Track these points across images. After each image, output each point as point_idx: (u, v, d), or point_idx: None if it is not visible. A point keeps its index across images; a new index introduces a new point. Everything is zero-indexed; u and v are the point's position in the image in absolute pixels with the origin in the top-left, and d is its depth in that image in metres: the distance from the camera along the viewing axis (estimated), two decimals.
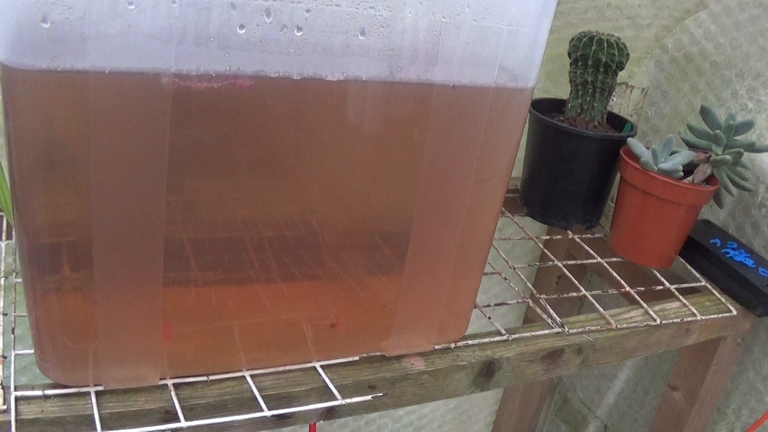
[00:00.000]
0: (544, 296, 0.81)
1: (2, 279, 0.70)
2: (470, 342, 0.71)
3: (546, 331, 0.75)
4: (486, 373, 0.70)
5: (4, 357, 0.60)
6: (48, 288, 0.53)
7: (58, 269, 0.52)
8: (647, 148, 0.87)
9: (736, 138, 0.88)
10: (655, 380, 1.20)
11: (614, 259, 0.92)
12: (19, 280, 0.72)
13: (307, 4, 0.47)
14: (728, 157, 0.86)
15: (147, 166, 0.49)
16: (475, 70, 0.55)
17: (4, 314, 0.65)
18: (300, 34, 0.48)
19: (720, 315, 0.86)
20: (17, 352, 0.60)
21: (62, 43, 0.43)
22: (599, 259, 0.92)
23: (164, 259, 0.53)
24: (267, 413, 0.57)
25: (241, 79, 0.48)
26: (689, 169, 0.88)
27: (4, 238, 0.77)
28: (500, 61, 0.56)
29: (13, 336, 0.62)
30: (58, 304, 0.54)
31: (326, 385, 0.61)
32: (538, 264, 1.01)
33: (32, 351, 0.58)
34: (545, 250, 0.94)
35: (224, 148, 0.51)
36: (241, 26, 0.46)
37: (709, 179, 0.89)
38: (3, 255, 0.74)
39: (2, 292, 0.68)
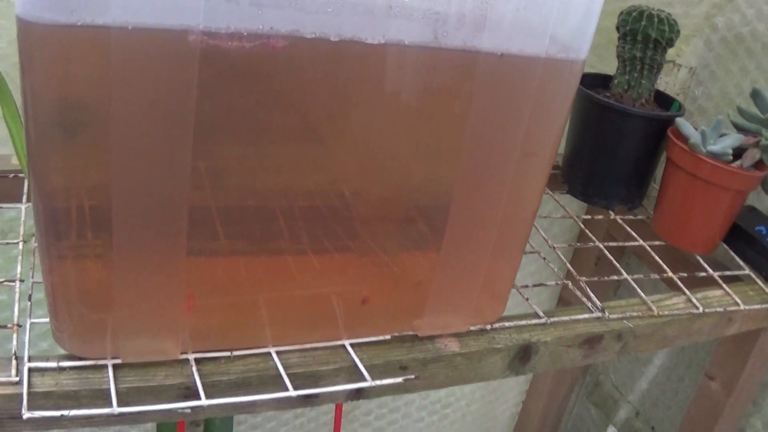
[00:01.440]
0: (584, 278, 0.77)
1: (21, 243, 0.68)
2: (507, 324, 0.68)
3: (585, 315, 0.72)
4: (522, 357, 0.67)
5: (19, 325, 0.58)
6: (64, 254, 0.51)
7: (75, 234, 0.50)
8: (696, 130, 0.84)
9: None
10: (691, 368, 1.16)
11: (656, 243, 0.88)
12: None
13: None
14: None
15: (171, 128, 0.46)
16: (525, 38, 0.52)
17: (21, 280, 0.63)
18: None
19: (763, 305, 0.83)
20: (33, 320, 0.58)
21: None
22: (641, 241, 0.88)
23: (188, 226, 0.50)
24: (293, 393, 0.54)
25: (274, 39, 0.44)
26: (737, 153, 0.84)
27: (24, 200, 0.75)
28: (551, 30, 0.52)
29: (29, 303, 0.60)
30: (74, 271, 0.51)
31: (355, 365, 0.58)
32: (577, 244, 0.97)
33: (42, 320, 0.56)
34: (585, 230, 0.90)
35: (255, 112, 0.48)
36: None
37: (758, 164, 0.85)
38: (23, 218, 0.72)
39: (21, 257, 0.66)
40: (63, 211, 0.49)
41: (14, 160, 0.79)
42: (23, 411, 0.50)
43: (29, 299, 0.60)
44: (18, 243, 0.68)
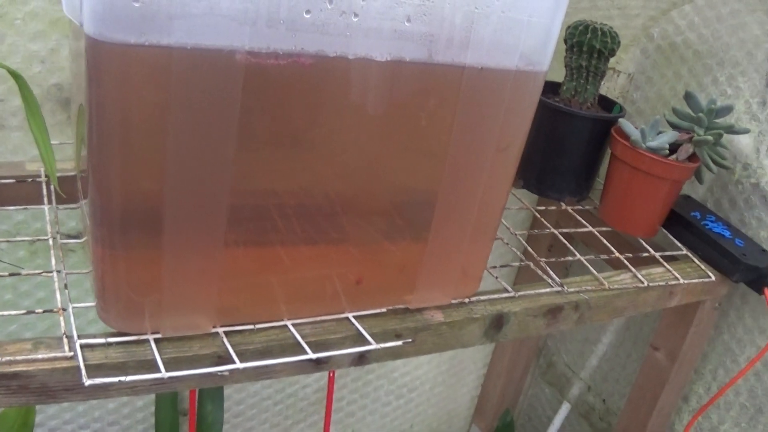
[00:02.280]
0: (543, 259, 0.88)
1: (50, 240, 0.76)
2: (482, 298, 0.78)
3: (547, 290, 0.83)
4: (496, 325, 0.77)
5: (64, 309, 0.66)
6: (117, 245, 0.59)
7: (127, 228, 0.59)
8: (636, 128, 0.95)
9: (717, 121, 0.96)
10: (637, 344, 1.28)
11: (603, 229, 1.00)
12: (64, 240, 0.78)
13: None
14: (709, 137, 0.95)
15: (218, 136, 0.55)
16: (500, 55, 0.62)
17: (58, 271, 0.71)
18: (356, 19, 0.55)
19: (700, 280, 0.95)
20: (74, 305, 0.66)
21: (151, 21, 0.50)
22: (590, 227, 1.00)
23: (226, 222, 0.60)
24: (312, 356, 0.64)
25: (303, 57, 0.54)
26: (673, 148, 0.96)
27: (45, 202, 0.82)
28: (521, 47, 0.63)
29: (67, 291, 0.68)
30: (125, 260, 0.60)
31: (359, 333, 0.68)
32: (534, 231, 1.08)
33: (86, 304, 0.64)
34: (541, 219, 1.01)
35: (285, 121, 0.58)
36: (307, 11, 0.53)
37: (691, 157, 0.97)
38: (48, 218, 0.80)
39: (53, 251, 0.74)
40: (118, 208, 0.57)
41: (29, 165, 0.87)
42: (84, 379, 0.58)
43: (66, 288, 0.68)
44: (48, 239, 0.76)
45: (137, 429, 1.23)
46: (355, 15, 0.54)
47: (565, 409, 1.39)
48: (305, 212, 0.64)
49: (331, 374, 0.79)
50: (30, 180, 0.85)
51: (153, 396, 1.19)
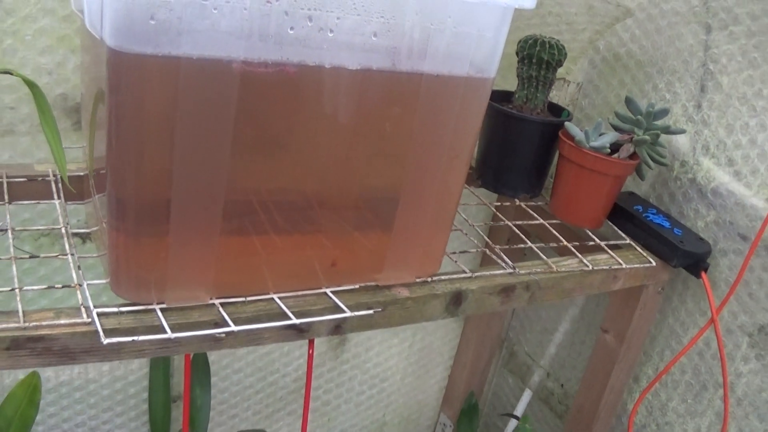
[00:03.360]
0: (498, 246, 0.99)
1: (63, 229, 0.86)
2: (443, 277, 0.90)
3: (501, 271, 0.94)
4: (455, 302, 0.88)
5: (80, 285, 0.76)
6: (131, 231, 0.70)
7: (141, 218, 0.69)
8: (581, 130, 1.07)
9: (655, 123, 1.08)
10: (590, 331, 1.40)
11: (554, 221, 1.11)
12: (75, 230, 0.89)
13: (337, 13, 0.65)
14: (647, 137, 1.06)
15: (217, 135, 0.66)
16: (453, 63, 0.74)
17: (72, 254, 0.81)
18: (331, 35, 0.66)
19: (642, 265, 1.06)
20: (88, 282, 0.76)
21: (164, 35, 0.60)
22: (542, 221, 1.11)
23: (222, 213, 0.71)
24: (296, 321, 0.75)
25: (288, 66, 0.66)
26: (616, 148, 1.08)
27: (55, 197, 0.93)
28: (471, 57, 0.75)
29: (80, 271, 0.78)
30: (137, 243, 0.70)
31: (336, 305, 0.79)
32: (491, 223, 1.20)
33: (99, 281, 0.75)
34: (497, 213, 1.13)
35: (272, 124, 0.69)
36: (291, 28, 0.64)
37: (633, 156, 1.09)
38: (59, 211, 0.90)
39: (66, 238, 0.84)
40: (132, 199, 0.68)
41: (37, 167, 0.98)
42: (102, 339, 0.68)
43: (79, 269, 0.78)
44: (61, 228, 0.86)
45: (129, 415, 1.32)
46: (331, 31, 0.66)
47: (527, 395, 1.50)
48: (288, 207, 0.76)
49: (310, 350, 0.89)
50: (40, 179, 0.95)
51: (145, 383, 1.29)
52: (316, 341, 1.41)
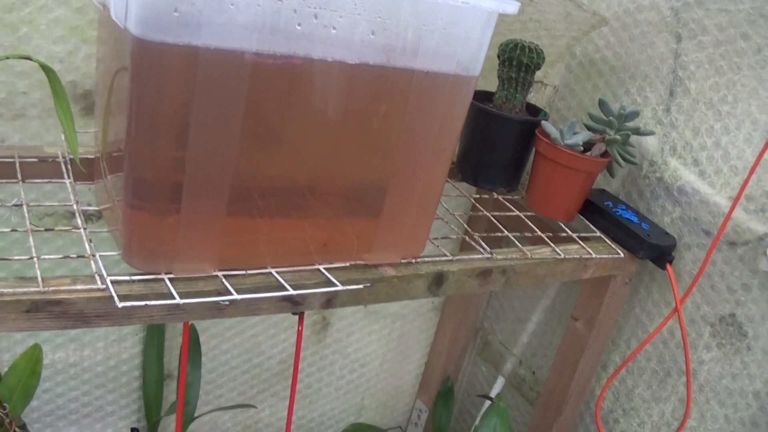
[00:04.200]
0: (477, 234, 1.07)
1: (74, 205, 0.92)
2: (426, 259, 0.97)
3: (479, 256, 1.01)
4: (437, 282, 0.95)
5: (93, 255, 0.82)
6: (145, 207, 0.76)
7: (156, 195, 0.76)
8: (557, 129, 1.14)
9: (626, 124, 1.16)
10: (561, 321, 1.47)
11: (529, 214, 1.19)
12: (85, 207, 0.95)
13: (340, 12, 0.72)
14: (618, 137, 1.14)
15: (229, 121, 0.73)
16: (442, 62, 0.81)
17: (85, 228, 0.87)
18: (335, 31, 0.73)
19: (611, 256, 1.14)
20: (101, 253, 0.83)
21: (185, 26, 0.67)
22: (518, 212, 1.19)
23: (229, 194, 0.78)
24: (292, 292, 0.82)
25: (295, 59, 0.73)
26: (588, 146, 1.16)
27: (65, 177, 0.99)
28: (458, 56, 0.82)
29: (92, 244, 0.85)
30: (149, 219, 0.77)
31: (329, 279, 0.86)
32: (471, 213, 1.27)
33: (111, 253, 0.81)
34: (477, 205, 1.20)
35: (279, 112, 0.76)
36: (299, 24, 0.71)
37: (604, 155, 1.16)
38: (69, 190, 0.96)
39: (78, 214, 0.90)
40: (149, 180, 0.75)
41: (47, 149, 1.04)
42: (117, 303, 0.75)
43: (91, 241, 0.85)
44: (72, 205, 0.92)
45: (121, 392, 1.38)
46: (334, 28, 0.73)
47: (500, 382, 1.57)
48: (286, 192, 0.83)
49: (300, 327, 0.95)
50: (51, 160, 1.01)
51: (137, 361, 1.35)
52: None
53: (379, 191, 0.88)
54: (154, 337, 1.28)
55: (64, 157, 1.02)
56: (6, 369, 1.12)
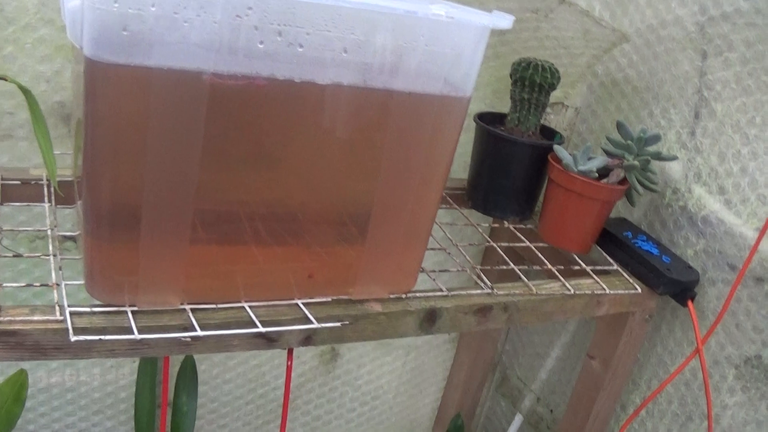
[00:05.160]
0: (478, 267, 1.00)
1: (49, 230, 0.88)
2: (417, 294, 0.90)
3: (478, 291, 0.95)
4: (429, 319, 0.89)
5: (57, 284, 0.78)
6: (104, 235, 0.72)
7: (114, 223, 0.71)
8: (570, 154, 1.08)
9: (647, 148, 1.09)
10: (581, 358, 1.40)
11: (542, 245, 1.12)
12: (62, 233, 0.91)
13: (307, 29, 0.67)
14: (636, 163, 1.07)
15: (186, 145, 0.68)
16: (426, 81, 0.75)
17: (54, 255, 0.83)
18: (301, 50, 0.68)
19: (627, 291, 1.06)
20: (66, 282, 0.78)
21: (136, 46, 0.62)
22: (528, 243, 1.12)
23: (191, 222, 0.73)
24: (262, 329, 0.76)
25: (258, 79, 0.67)
26: (606, 173, 1.09)
27: (46, 200, 0.95)
28: (445, 75, 0.76)
29: (60, 272, 0.80)
30: (109, 248, 0.72)
31: (306, 316, 0.80)
32: (483, 244, 1.20)
33: (76, 282, 0.77)
34: (484, 235, 1.14)
35: (241, 136, 0.71)
36: (261, 42, 0.66)
37: (623, 181, 1.09)
38: (47, 213, 0.92)
39: (50, 240, 0.86)
40: (106, 206, 0.70)
41: (32, 171, 1.00)
42: (71, 336, 0.70)
43: (60, 269, 0.80)
44: (47, 230, 0.88)
45: (120, 419, 1.34)
46: (301, 46, 0.67)
47: (518, 420, 1.50)
48: (260, 218, 0.77)
49: (289, 362, 0.90)
50: (33, 183, 0.97)
51: (134, 389, 1.30)
52: (307, 355, 1.42)
53: (364, 218, 0.82)
54: (147, 365, 1.24)
55: (47, 180, 0.98)
56: None
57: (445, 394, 1.67)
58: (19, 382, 1.08)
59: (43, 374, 1.24)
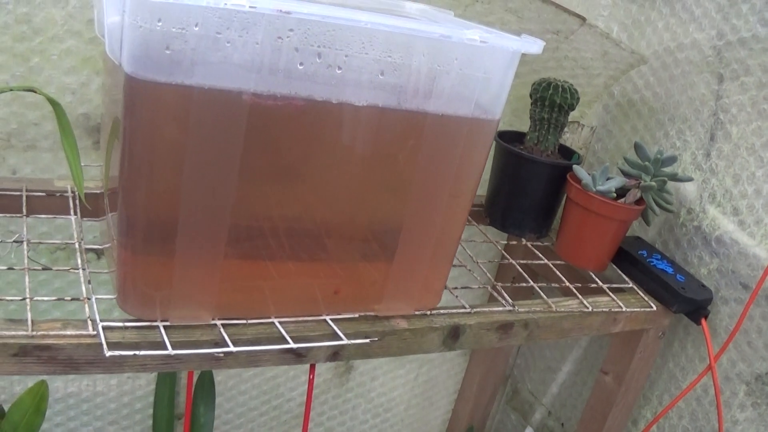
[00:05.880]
0: (499, 284, 1.01)
1: (77, 244, 0.89)
2: (442, 311, 0.91)
3: (500, 308, 0.96)
4: (453, 335, 0.90)
5: (89, 298, 0.79)
6: (138, 250, 0.73)
7: (149, 238, 0.72)
8: (589, 174, 1.09)
9: (663, 169, 1.10)
10: (592, 373, 1.41)
11: (559, 262, 1.13)
12: (89, 246, 0.91)
13: (346, 51, 0.68)
14: (653, 183, 1.08)
15: (225, 162, 0.69)
16: (458, 104, 0.76)
17: (84, 269, 0.84)
18: (340, 71, 0.69)
19: (642, 309, 1.07)
20: (97, 296, 0.79)
21: (178, 65, 0.63)
22: (546, 261, 1.13)
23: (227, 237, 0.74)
24: (293, 345, 0.77)
25: (296, 100, 0.68)
26: (623, 192, 1.10)
27: (72, 213, 0.96)
28: (476, 98, 0.77)
29: (90, 285, 0.81)
30: (144, 262, 0.73)
31: (335, 332, 0.81)
32: (496, 261, 1.21)
33: (107, 296, 0.78)
34: (504, 252, 1.15)
35: (278, 155, 0.72)
36: (301, 63, 0.67)
37: (639, 201, 1.10)
38: (74, 226, 0.93)
39: (78, 253, 0.87)
40: (142, 220, 0.71)
41: (57, 183, 1.01)
42: (105, 351, 0.71)
43: (89, 283, 0.81)
44: (74, 243, 0.89)
45: (135, 429, 1.35)
46: (339, 68, 0.69)
47: None
48: (292, 234, 0.78)
49: (311, 376, 0.91)
50: (58, 195, 0.98)
51: (151, 399, 1.31)
52: (322, 368, 1.43)
53: (393, 235, 0.83)
54: (166, 377, 1.24)
55: (73, 192, 0.99)
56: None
57: (456, 407, 1.67)
58: (40, 393, 1.08)
59: (60, 384, 1.24)
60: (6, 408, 1.08)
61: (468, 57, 0.74)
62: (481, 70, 0.76)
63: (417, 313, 0.90)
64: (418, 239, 0.83)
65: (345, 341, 0.80)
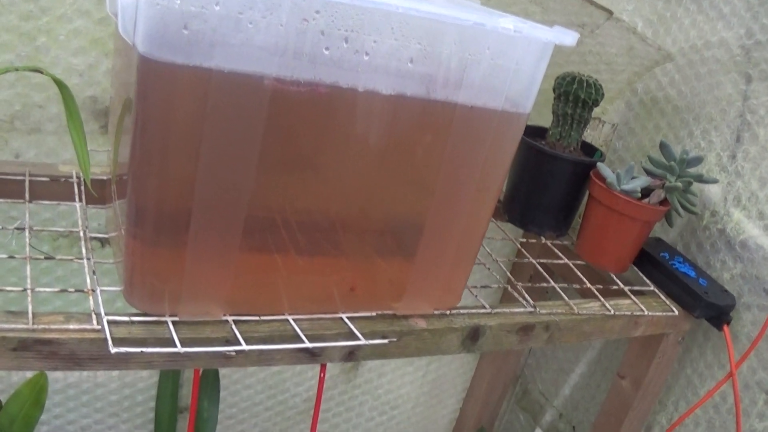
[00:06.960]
0: (520, 284, 0.98)
1: (81, 231, 0.85)
2: (462, 311, 0.88)
3: (521, 309, 0.92)
4: (472, 336, 0.86)
5: (93, 290, 0.75)
6: (148, 240, 0.69)
7: (160, 228, 0.68)
8: (613, 173, 1.05)
9: (688, 170, 1.06)
10: (606, 375, 1.37)
11: (578, 262, 1.09)
12: (94, 234, 0.88)
13: (375, 36, 0.64)
14: (679, 184, 1.04)
15: (243, 150, 0.65)
16: (488, 96, 0.72)
17: (88, 259, 0.80)
18: (367, 58, 0.65)
19: (664, 313, 1.04)
20: (102, 288, 0.75)
21: (196, 46, 0.60)
22: (566, 260, 1.09)
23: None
24: (308, 345, 0.73)
25: (320, 86, 0.64)
26: (646, 192, 1.06)
27: (76, 200, 0.92)
28: (507, 90, 0.73)
29: (95, 276, 0.77)
30: (154, 253, 0.69)
31: (351, 331, 0.77)
32: (515, 259, 1.18)
33: (113, 288, 0.74)
34: (522, 250, 1.11)
35: (300, 143, 0.68)
36: (327, 48, 0.63)
37: (663, 202, 1.07)
38: (79, 213, 0.89)
39: (83, 242, 0.83)
40: (153, 208, 0.67)
41: (61, 167, 0.97)
42: (111, 348, 0.67)
43: (94, 274, 0.77)
44: (80, 231, 0.85)
45: (135, 422, 1.31)
46: (366, 54, 0.65)
47: None
48: (310, 227, 0.74)
49: (322, 374, 0.88)
50: (63, 180, 0.94)
51: (153, 392, 1.28)
52: (329, 364, 1.40)
53: (415, 230, 0.79)
54: (170, 370, 1.21)
55: (78, 178, 0.95)
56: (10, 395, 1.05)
57: (464, 406, 1.64)
58: (39, 385, 1.06)
59: (59, 375, 1.21)
60: (4, 400, 1.05)
61: (500, 47, 0.70)
62: (513, 60, 0.72)
63: (436, 312, 0.86)
64: (442, 236, 0.79)
65: (362, 341, 0.76)
